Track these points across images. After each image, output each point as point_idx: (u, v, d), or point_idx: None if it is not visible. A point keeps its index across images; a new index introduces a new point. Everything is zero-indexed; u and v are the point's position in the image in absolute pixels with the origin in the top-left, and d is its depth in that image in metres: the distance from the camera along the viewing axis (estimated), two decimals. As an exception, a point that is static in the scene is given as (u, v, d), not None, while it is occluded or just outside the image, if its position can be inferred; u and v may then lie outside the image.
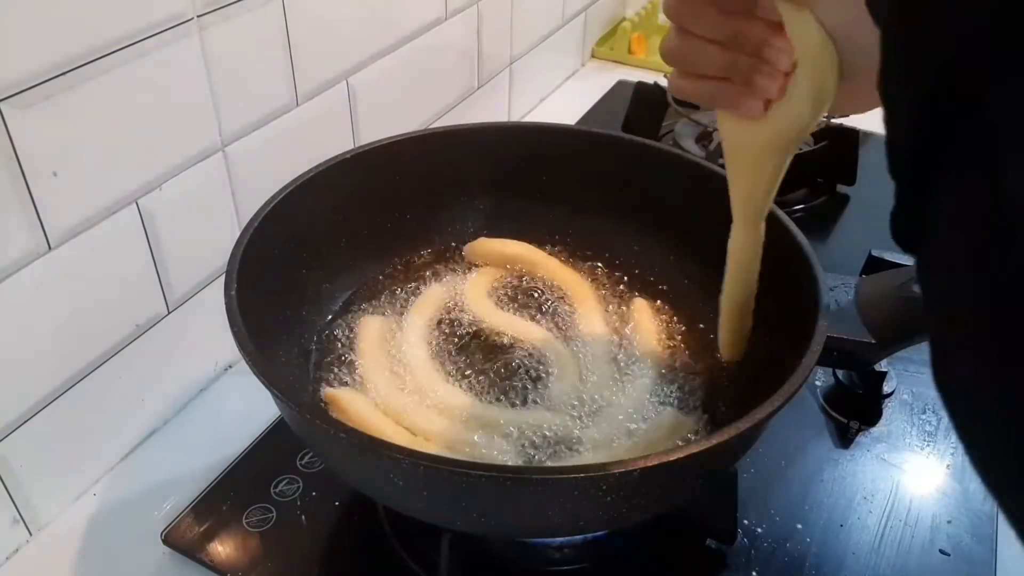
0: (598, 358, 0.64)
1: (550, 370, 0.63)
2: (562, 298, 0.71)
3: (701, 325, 0.68)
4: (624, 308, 0.69)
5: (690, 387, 0.63)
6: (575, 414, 0.60)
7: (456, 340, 0.67)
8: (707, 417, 0.61)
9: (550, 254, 0.75)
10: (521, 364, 0.64)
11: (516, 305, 0.71)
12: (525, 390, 0.62)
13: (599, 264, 0.74)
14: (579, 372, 0.63)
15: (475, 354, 0.66)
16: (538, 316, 0.69)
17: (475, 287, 0.71)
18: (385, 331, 0.66)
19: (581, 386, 0.62)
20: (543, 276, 0.72)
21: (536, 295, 0.71)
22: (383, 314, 0.68)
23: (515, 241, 0.75)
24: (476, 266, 0.74)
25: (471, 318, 0.68)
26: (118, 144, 0.59)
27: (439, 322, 0.68)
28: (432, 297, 0.70)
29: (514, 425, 0.58)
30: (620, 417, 0.59)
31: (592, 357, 0.64)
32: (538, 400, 0.61)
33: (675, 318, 0.69)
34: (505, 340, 0.66)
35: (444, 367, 0.64)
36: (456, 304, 0.69)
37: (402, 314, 0.68)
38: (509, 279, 0.73)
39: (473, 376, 0.63)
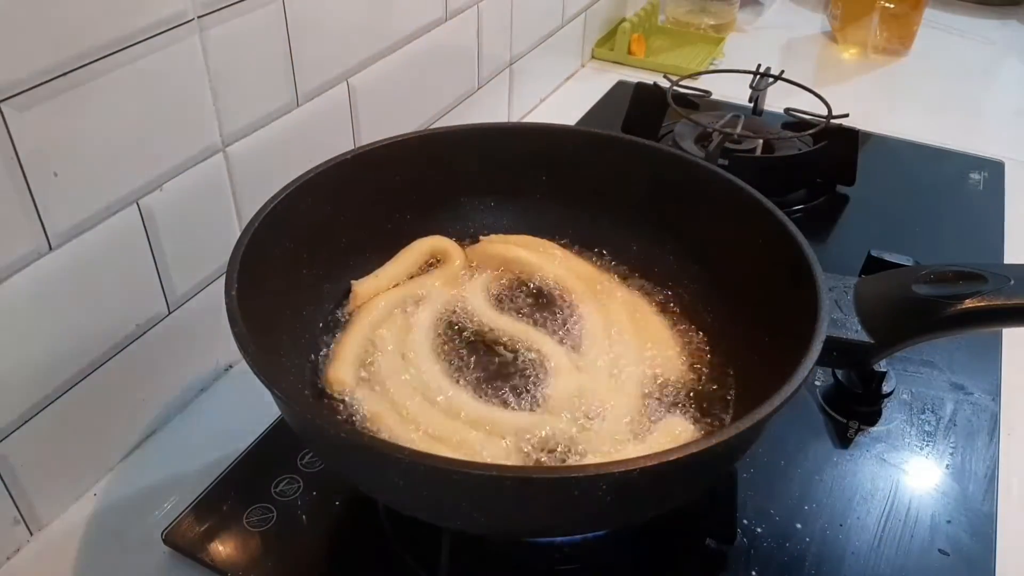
0: (598, 362, 0.64)
1: (550, 374, 0.63)
2: (563, 301, 0.70)
3: (702, 326, 0.68)
4: (623, 310, 0.69)
5: (690, 389, 0.63)
6: (577, 418, 0.59)
7: (458, 341, 0.67)
8: (708, 419, 0.61)
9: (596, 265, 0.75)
10: (521, 367, 0.64)
11: (517, 307, 0.70)
12: (526, 394, 0.62)
13: (598, 264, 0.74)
14: (579, 376, 0.63)
15: (476, 356, 0.66)
16: (539, 319, 0.69)
17: (477, 289, 0.71)
18: (392, 330, 0.66)
19: (582, 390, 0.61)
20: (544, 278, 0.72)
21: (537, 298, 0.71)
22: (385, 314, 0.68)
23: (517, 241, 0.75)
24: (478, 268, 0.74)
25: (473, 320, 0.68)
26: (119, 144, 0.60)
27: (442, 323, 0.68)
28: (435, 298, 0.69)
29: (517, 428, 0.58)
30: (623, 422, 0.59)
31: (592, 361, 0.64)
32: (539, 404, 0.61)
33: (675, 319, 0.69)
34: (506, 343, 0.66)
35: (448, 368, 0.64)
36: (458, 306, 0.69)
37: (404, 314, 0.68)
38: (510, 281, 0.73)
39: (475, 378, 0.63)
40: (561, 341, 0.66)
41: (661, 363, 0.64)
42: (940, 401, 0.74)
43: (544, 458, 0.57)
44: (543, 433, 0.57)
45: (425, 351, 0.64)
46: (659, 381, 0.63)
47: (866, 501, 0.65)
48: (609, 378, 0.63)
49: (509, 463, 0.55)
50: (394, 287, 0.70)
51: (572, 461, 0.56)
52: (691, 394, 0.62)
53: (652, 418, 0.60)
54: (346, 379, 0.61)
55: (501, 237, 0.75)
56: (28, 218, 0.55)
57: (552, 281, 0.72)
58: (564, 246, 0.76)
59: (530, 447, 0.57)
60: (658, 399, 0.62)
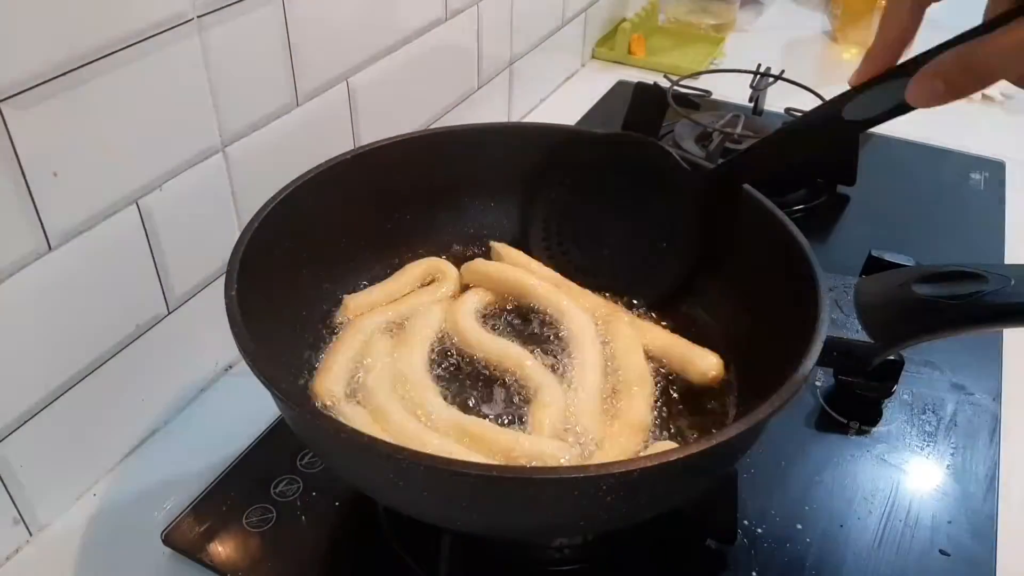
0: (591, 387, 0.62)
1: (537, 399, 0.60)
2: (556, 323, 0.68)
3: (702, 326, 0.68)
4: (619, 333, 0.67)
5: (691, 389, 0.63)
6: (572, 442, 0.57)
7: (447, 362, 0.65)
8: (708, 419, 0.61)
9: (550, 255, 0.74)
10: (510, 390, 0.63)
11: (509, 328, 0.69)
12: (514, 418, 0.60)
13: (597, 264, 0.74)
14: (570, 402, 0.60)
15: (465, 377, 0.64)
16: (530, 340, 0.67)
17: (468, 309, 0.68)
18: (381, 346, 0.64)
19: (575, 416, 0.59)
20: (537, 300, 0.69)
21: (528, 319, 0.69)
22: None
23: (510, 259, 0.73)
24: (471, 287, 0.71)
25: (463, 341, 0.66)
26: (118, 144, 0.59)
27: (433, 342, 0.66)
28: (426, 316, 0.67)
29: (504, 448, 0.56)
30: (617, 448, 0.57)
31: (585, 386, 0.62)
32: (532, 428, 0.59)
33: (675, 318, 0.69)
34: (496, 364, 0.64)
35: (439, 388, 0.62)
36: (449, 326, 0.67)
37: (395, 331, 0.66)
38: (503, 301, 0.71)
39: (464, 399, 0.62)
40: (553, 366, 0.64)
41: (692, 376, 0.63)
42: (941, 401, 0.74)
43: None
44: (544, 459, 0.55)
45: (415, 370, 0.62)
46: (658, 397, 0.62)
47: (867, 502, 0.65)
48: (601, 406, 0.61)
49: None
50: (386, 304, 0.68)
51: None
52: (692, 394, 0.62)
53: (650, 443, 0.58)
54: (334, 391, 0.60)
55: (497, 253, 0.74)
56: (28, 218, 0.55)
57: (544, 303, 0.69)
58: (562, 245, 0.75)
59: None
60: (656, 416, 0.61)
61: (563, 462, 0.55)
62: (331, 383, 0.60)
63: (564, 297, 0.69)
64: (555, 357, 0.65)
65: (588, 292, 0.71)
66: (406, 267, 0.72)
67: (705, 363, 0.63)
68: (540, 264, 0.73)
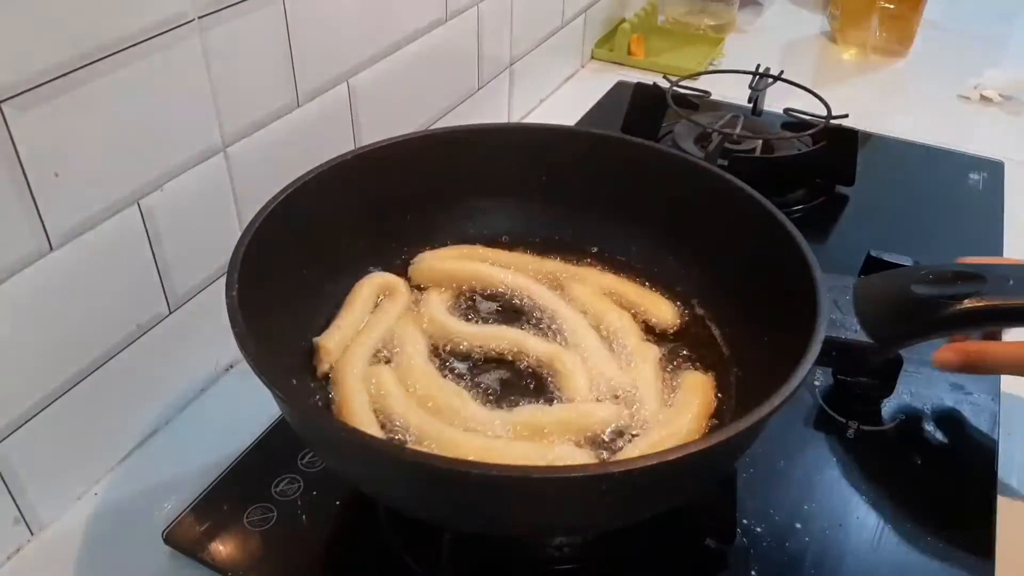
0: (592, 343, 0.65)
1: (562, 371, 0.62)
2: (528, 300, 0.70)
3: (700, 326, 0.68)
4: (586, 290, 0.70)
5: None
6: (607, 396, 0.61)
7: (454, 364, 0.65)
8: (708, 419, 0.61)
9: (545, 256, 0.74)
10: (528, 372, 0.64)
11: (486, 317, 0.69)
12: (550, 395, 0.62)
13: (596, 264, 0.74)
14: (589, 366, 0.63)
15: (482, 373, 0.64)
16: (513, 323, 0.68)
17: (441, 310, 0.68)
18: (387, 376, 0.62)
19: (600, 379, 0.62)
20: (500, 283, 0.71)
21: (499, 303, 0.70)
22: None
23: (450, 254, 0.73)
24: (426, 290, 0.71)
25: (457, 342, 0.66)
26: (119, 145, 0.60)
27: (432, 353, 0.66)
28: (410, 331, 0.66)
29: (577, 424, 0.58)
30: (653, 394, 0.61)
31: (587, 344, 0.65)
32: (571, 397, 0.61)
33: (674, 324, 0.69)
34: (500, 352, 0.65)
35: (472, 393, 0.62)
36: (436, 331, 0.67)
37: (391, 357, 0.65)
38: (465, 294, 0.71)
39: (498, 395, 0.62)
40: (548, 336, 0.67)
41: (652, 320, 0.68)
42: (940, 401, 0.74)
43: (602, 452, 0.57)
44: (592, 424, 0.58)
45: (439, 383, 0.62)
46: (657, 336, 0.67)
47: (865, 501, 0.65)
48: (616, 358, 0.64)
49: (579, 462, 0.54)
50: (356, 334, 0.65)
51: (627, 446, 0.57)
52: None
53: (672, 381, 0.63)
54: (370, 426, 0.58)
55: (432, 254, 0.74)
56: (29, 218, 0.55)
57: (508, 285, 0.71)
58: (562, 245, 0.76)
59: (582, 440, 0.57)
60: (665, 358, 0.65)
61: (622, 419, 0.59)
62: (361, 419, 0.58)
63: (519, 274, 0.71)
64: (539, 328, 0.68)
65: (528, 256, 0.74)
66: (357, 288, 0.68)
67: (660, 313, 0.68)
68: (473, 248, 0.74)
